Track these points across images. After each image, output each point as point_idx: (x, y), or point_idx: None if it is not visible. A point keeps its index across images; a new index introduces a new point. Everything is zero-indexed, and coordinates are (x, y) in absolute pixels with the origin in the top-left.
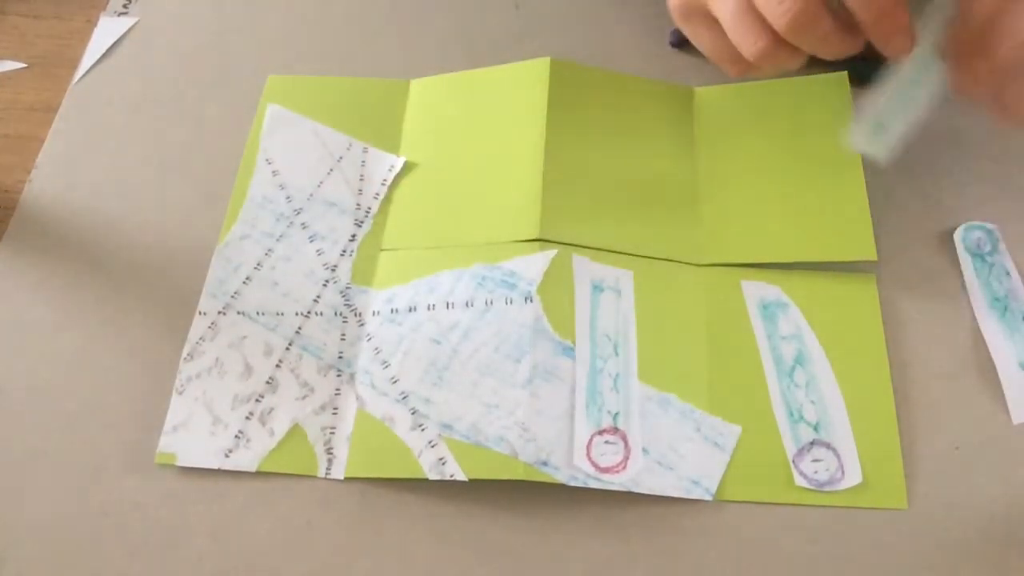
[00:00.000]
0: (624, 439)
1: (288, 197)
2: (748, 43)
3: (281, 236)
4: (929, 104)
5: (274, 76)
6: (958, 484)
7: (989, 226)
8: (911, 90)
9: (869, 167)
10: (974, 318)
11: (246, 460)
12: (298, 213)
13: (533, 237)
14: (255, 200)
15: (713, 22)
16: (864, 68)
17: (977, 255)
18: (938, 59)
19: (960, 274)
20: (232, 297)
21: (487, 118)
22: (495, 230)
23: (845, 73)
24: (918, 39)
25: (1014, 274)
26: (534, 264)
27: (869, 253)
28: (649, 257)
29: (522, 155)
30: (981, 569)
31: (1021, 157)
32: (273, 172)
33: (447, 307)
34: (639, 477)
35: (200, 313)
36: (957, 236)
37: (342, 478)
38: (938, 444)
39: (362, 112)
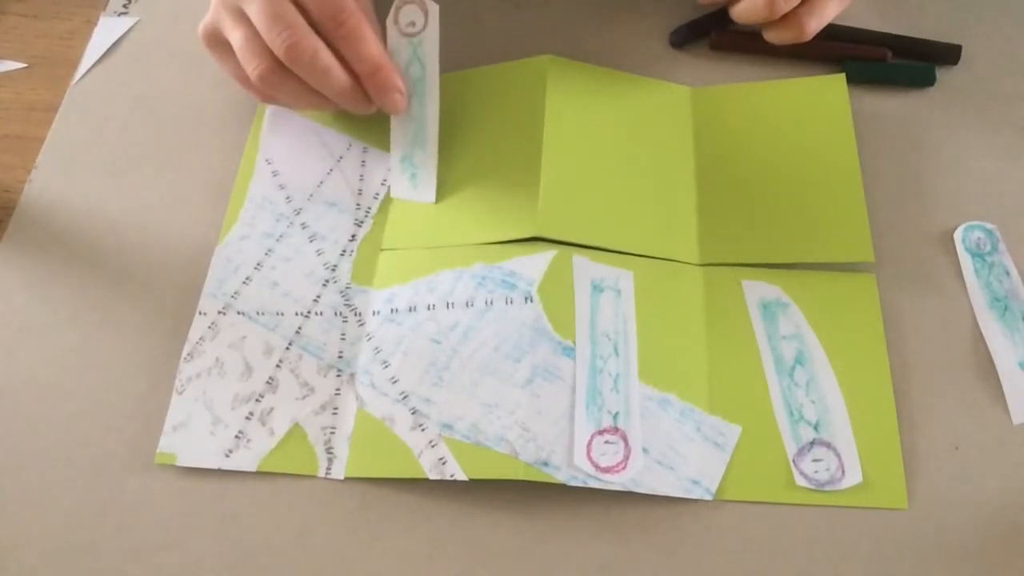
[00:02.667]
0: (624, 439)
1: (288, 197)
2: (252, 66)
3: (281, 236)
4: (437, 131)
5: None
6: (958, 484)
7: (989, 226)
8: (418, 132)
9: (869, 167)
10: (974, 318)
11: (246, 460)
12: (298, 213)
13: (532, 236)
14: (255, 200)
15: (232, 50)
16: (864, 68)
17: (977, 255)
18: (425, 95)
19: (960, 274)
20: (232, 297)
21: (486, 117)
22: (495, 229)
23: (843, 75)
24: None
25: (1014, 274)
26: (534, 264)
27: (866, 255)
28: (649, 257)
29: (521, 154)
30: (981, 568)
31: (1021, 157)
32: (273, 172)
33: (447, 307)
34: (639, 477)
35: (200, 313)
36: (957, 236)
37: (342, 478)
38: (938, 444)
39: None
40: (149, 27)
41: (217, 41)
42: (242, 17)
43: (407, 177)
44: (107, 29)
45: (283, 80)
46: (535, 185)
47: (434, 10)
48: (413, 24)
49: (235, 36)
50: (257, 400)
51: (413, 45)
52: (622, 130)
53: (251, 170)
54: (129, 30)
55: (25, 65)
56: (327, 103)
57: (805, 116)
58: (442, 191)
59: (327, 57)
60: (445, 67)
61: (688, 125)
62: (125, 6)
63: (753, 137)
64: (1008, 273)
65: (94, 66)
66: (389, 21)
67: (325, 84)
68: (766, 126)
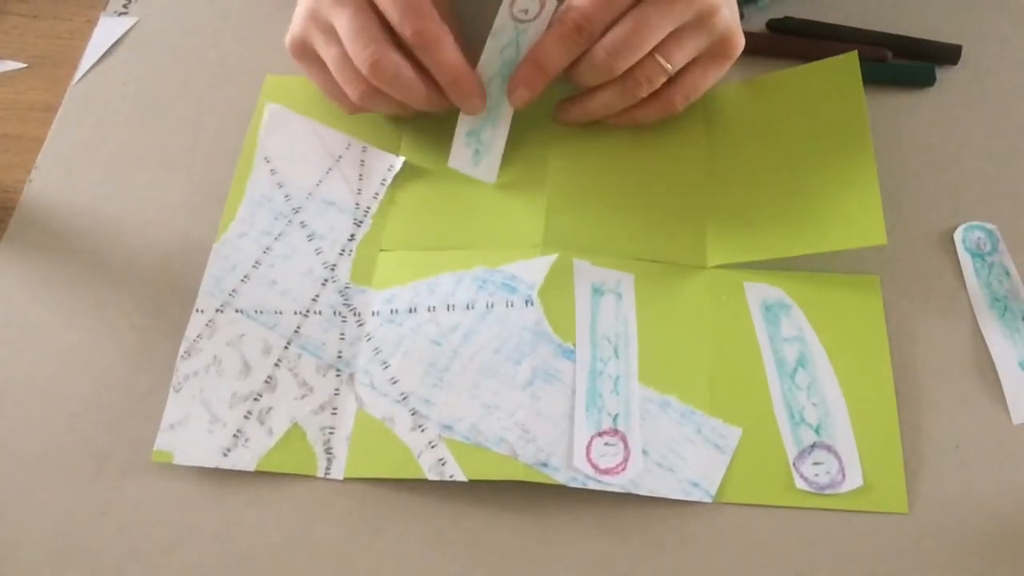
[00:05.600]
0: (624, 441)
1: (287, 196)
2: (351, 88)
3: (280, 235)
4: (511, 115)
5: (272, 75)
6: (958, 484)
7: (989, 226)
8: (493, 111)
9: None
10: (974, 318)
11: (245, 459)
12: (296, 212)
13: (537, 244)
14: (253, 198)
15: (324, 64)
16: (864, 68)
17: (977, 255)
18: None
19: (960, 274)
20: (230, 295)
21: None
22: (498, 235)
23: (855, 53)
24: (490, 67)
25: (1014, 274)
26: (535, 268)
27: (879, 238)
28: (652, 260)
29: (526, 159)
30: (981, 569)
31: (1021, 157)
32: (272, 171)
33: (448, 309)
34: (639, 478)
35: (198, 311)
36: (957, 236)
37: (341, 478)
38: (938, 444)
39: (363, 116)
40: (149, 27)
41: (307, 54)
42: (334, 34)
43: (470, 152)
44: (107, 29)
45: (380, 99)
46: (540, 191)
47: (551, 5)
48: (526, 12)
49: (329, 54)
50: (255, 399)
51: (518, 31)
52: (627, 134)
53: (249, 167)
54: (129, 30)
55: (25, 65)
56: (416, 111)
57: (818, 100)
58: (445, 194)
59: (408, 72)
60: None
61: (696, 126)
62: (125, 6)
63: (766, 130)
64: (1008, 273)
65: (94, 66)
66: (505, 2)
67: (409, 97)
68: (779, 117)
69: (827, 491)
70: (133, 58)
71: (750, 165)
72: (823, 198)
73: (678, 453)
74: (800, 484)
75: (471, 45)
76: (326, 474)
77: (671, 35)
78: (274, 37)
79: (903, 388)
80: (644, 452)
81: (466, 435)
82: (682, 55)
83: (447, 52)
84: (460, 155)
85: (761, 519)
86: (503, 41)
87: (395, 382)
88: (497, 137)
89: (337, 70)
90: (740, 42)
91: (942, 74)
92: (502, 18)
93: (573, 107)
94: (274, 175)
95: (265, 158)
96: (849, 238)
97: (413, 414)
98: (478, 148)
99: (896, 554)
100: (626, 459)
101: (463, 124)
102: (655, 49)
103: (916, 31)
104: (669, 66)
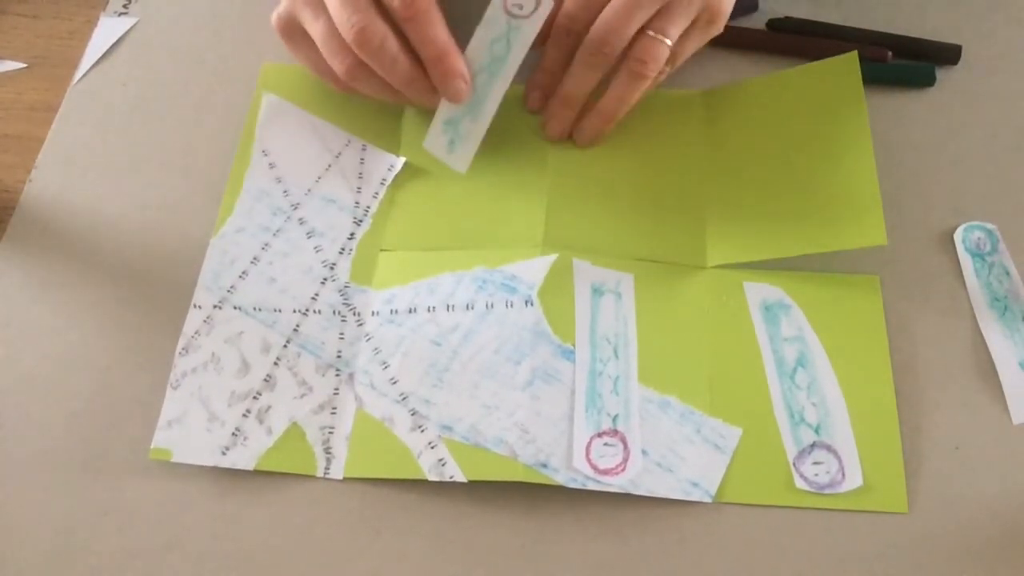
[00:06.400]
0: (623, 441)
1: (285, 191)
2: (337, 61)
3: (279, 231)
4: (494, 112)
5: (269, 64)
6: (958, 484)
7: (989, 226)
8: (475, 104)
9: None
10: (974, 318)
11: (244, 458)
12: (295, 208)
13: (536, 244)
14: (251, 192)
15: (311, 40)
16: (864, 68)
17: (977, 255)
18: (498, 75)
19: (960, 274)
20: (228, 291)
21: (498, 129)
22: (498, 235)
23: (855, 53)
24: (479, 53)
25: (1014, 274)
26: (535, 268)
27: (879, 238)
28: (652, 260)
29: (527, 160)
30: (981, 569)
31: (1021, 157)
32: (270, 164)
33: (447, 309)
34: (638, 479)
35: (195, 306)
36: (957, 236)
37: (341, 478)
38: (938, 444)
39: (360, 107)
40: (149, 27)
41: (294, 32)
42: (321, 7)
43: (446, 140)
44: (107, 29)
45: (366, 75)
46: (540, 192)
47: (546, 5)
48: (520, 7)
49: (316, 29)
50: (255, 398)
51: (510, 26)
52: (628, 136)
53: (247, 159)
54: (129, 30)
55: (25, 65)
56: (402, 96)
57: (818, 100)
58: (445, 195)
59: (394, 45)
60: None
61: (700, 128)
62: (125, 6)
63: (766, 130)
64: (1008, 273)
65: (94, 66)
66: None
67: (393, 73)
68: (779, 117)
69: (827, 491)
70: (133, 58)
71: (750, 165)
72: (823, 198)
73: (678, 453)
74: (800, 484)
75: (461, 39)
76: (325, 474)
77: (659, 11)
78: (274, 37)
79: (903, 388)
80: (644, 452)
81: (466, 435)
82: (676, 27)
83: (435, 28)
84: (436, 141)
85: (761, 519)
86: (493, 34)
87: (395, 382)
88: (475, 131)
89: (324, 43)
90: (727, 8)
91: (942, 74)
92: (494, 8)
93: (587, 120)
94: (272, 169)
95: (263, 151)
96: (849, 238)
97: (413, 414)
98: (454, 139)
99: (896, 554)
100: (626, 459)
101: (443, 111)
102: (647, 26)
103: (916, 31)
104: (667, 40)
